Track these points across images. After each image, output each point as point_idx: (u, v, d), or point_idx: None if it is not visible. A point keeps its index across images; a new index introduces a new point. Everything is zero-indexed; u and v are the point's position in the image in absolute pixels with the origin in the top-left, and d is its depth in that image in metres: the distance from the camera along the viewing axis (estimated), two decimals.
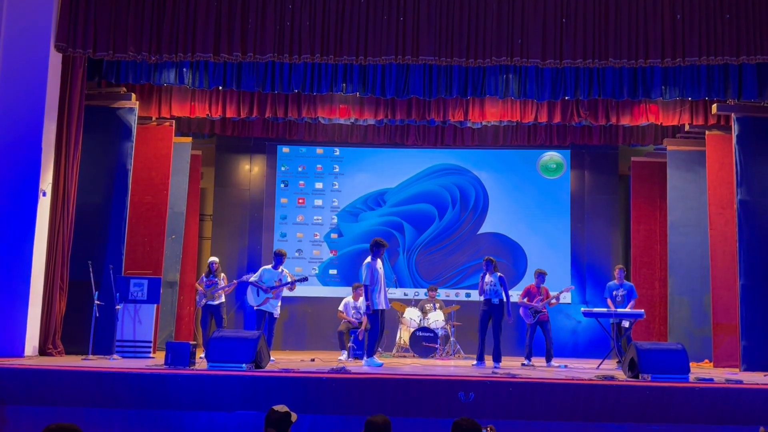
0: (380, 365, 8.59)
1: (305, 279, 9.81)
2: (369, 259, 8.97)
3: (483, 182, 13.23)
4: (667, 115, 10.65)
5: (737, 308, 9.58)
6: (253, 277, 9.52)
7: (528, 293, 10.15)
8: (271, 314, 9.42)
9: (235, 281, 9.88)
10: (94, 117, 9.72)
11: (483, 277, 9.54)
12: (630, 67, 8.91)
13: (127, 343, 9.10)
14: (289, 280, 9.49)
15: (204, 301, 9.85)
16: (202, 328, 10.17)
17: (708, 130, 10.70)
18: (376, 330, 8.91)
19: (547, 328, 9.98)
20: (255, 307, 9.44)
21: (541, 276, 10.19)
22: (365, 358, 8.89)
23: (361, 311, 10.82)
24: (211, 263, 9.95)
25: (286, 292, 9.69)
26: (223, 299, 9.90)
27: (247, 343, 7.47)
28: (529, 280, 10.97)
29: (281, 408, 4.14)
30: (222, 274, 9.94)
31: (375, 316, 8.88)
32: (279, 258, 9.60)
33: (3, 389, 6.88)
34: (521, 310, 10.10)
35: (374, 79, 9.41)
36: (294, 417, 4.15)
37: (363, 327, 10.52)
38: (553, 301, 10.10)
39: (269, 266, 9.63)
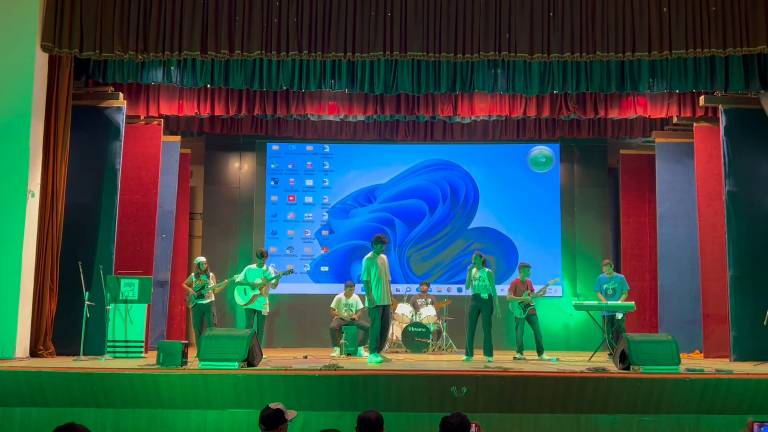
0: (380, 362, 8.56)
1: (290, 272, 9.80)
2: (369, 254, 8.98)
3: (473, 177, 13.25)
4: (655, 107, 10.71)
5: (727, 299, 9.64)
6: (238, 278, 9.54)
7: (515, 288, 10.18)
8: (260, 312, 9.45)
9: (226, 280, 9.87)
10: (82, 117, 9.66)
11: (470, 271, 9.56)
12: (617, 60, 8.94)
13: (118, 344, 9.08)
14: (273, 275, 9.50)
15: (195, 301, 9.83)
16: (195, 327, 10.16)
17: (696, 122, 10.75)
18: (376, 326, 8.87)
19: (534, 321, 10.00)
20: (243, 306, 9.47)
21: (525, 269, 10.22)
22: (368, 353, 8.88)
23: (353, 308, 10.84)
24: (200, 263, 9.93)
25: (273, 289, 9.69)
26: (212, 298, 9.90)
27: (238, 341, 7.46)
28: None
29: (276, 405, 4.10)
30: (211, 273, 9.93)
31: (375, 312, 8.87)
32: (261, 257, 9.63)
33: None
34: (510, 306, 10.13)
35: (363, 75, 9.38)
36: (290, 414, 4.09)
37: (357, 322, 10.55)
38: (540, 294, 10.12)
39: (253, 265, 9.67)
